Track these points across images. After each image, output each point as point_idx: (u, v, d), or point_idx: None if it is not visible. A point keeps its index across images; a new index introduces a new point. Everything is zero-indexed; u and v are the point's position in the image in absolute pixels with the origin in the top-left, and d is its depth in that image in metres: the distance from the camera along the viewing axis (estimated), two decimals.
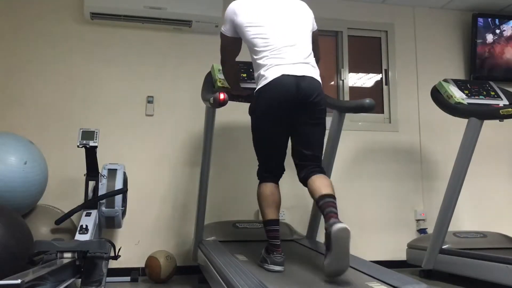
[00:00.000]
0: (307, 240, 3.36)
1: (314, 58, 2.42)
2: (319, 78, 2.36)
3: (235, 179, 3.80)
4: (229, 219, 3.56)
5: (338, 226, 1.96)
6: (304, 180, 2.35)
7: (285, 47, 2.31)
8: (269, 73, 2.29)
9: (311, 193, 2.27)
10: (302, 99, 2.27)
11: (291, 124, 2.36)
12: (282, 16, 2.39)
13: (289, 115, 2.32)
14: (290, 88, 2.25)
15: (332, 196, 2.17)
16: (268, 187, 2.45)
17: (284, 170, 2.53)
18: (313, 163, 2.36)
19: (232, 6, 2.46)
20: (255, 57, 2.38)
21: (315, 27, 2.56)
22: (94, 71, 3.73)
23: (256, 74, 2.40)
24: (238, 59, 2.69)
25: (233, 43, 2.52)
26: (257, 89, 2.36)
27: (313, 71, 2.35)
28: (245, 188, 3.65)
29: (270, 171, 2.49)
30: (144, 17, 3.69)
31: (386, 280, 2.13)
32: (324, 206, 2.13)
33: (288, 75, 2.26)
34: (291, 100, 2.26)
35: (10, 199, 2.76)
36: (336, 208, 2.13)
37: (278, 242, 2.38)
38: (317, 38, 2.57)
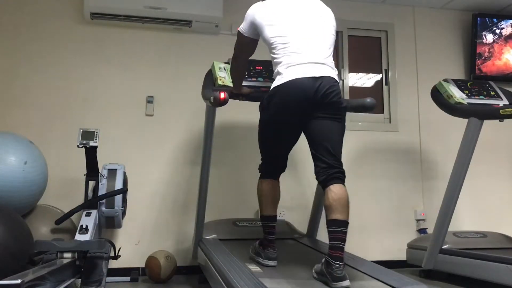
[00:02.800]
0: (307, 239, 3.36)
1: (333, 61, 2.35)
2: (337, 78, 2.31)
3: (235, 178, 3.80)
4: (229, 217, 3.56)
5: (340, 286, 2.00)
6: (322, 184, 2.24)
7: (304, 47, 2.26)
8: (286, 72, 2.23)
9: (326, 205, 2.17)
10: (320, 100, 2.21)
11: (309, 120, 2.26)
12: (303, 17, 2.35)
13: (304, 115, 2.26)
14: (308, 90, 2.19)
15: (345, 224, 2.11)
16: (269, 183, 2.51)
17: (286, 167, 2.56)
18: (334, 162, 2.23)
19: (254, 6, 2.44)
20: (273, 56, 2.34)
21: (333, 36, 2.43)
22: (94, 71, 3.73)
23: (274, 72, 2.35)
24: None
25: (248, 43, 2.50)
26: (273, 86, 2.31)
27: (332, 72, 2.29)
28: (245, 187, 3.65)
29: (272, 168, 2.53)
30: (144, 17, 3.69)
31: (386, 281, 2.14)
32: (333, 236, 2.10)
33: (307, 77, 2.20)
34: (308, 101, 2.20)
35: (10, 199, 2.76)
36: (344, 240, 2.10)
37: (273, 237, 2.49)
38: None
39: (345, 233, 2.10)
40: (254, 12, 2.41)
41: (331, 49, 2.35)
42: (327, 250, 2.12)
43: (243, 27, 2.48)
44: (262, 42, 2.44)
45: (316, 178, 2.27)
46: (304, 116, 2.27)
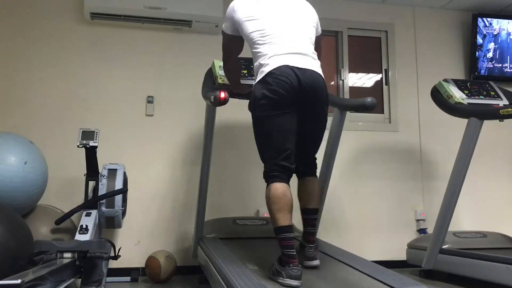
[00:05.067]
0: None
1: (315, 52, 2.35)
2: (320, 71, 2.30)
3: (235, 177, 3.80)
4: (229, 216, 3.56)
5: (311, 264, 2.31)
6: (297, 174, 2.43)
7: (285, 39, 2.26)
8: (271, 61, 2.21)
9: (300, 195, 2.45)
10: (303, 93, 2.19)
11: (297, 116, 2.25)
12: (281, 11, 2.36)
13: (294, 101, 2.20)
14: (292, 78, 2.17)
15: (316, 211, 2.47)
16: (279, 187, 2.15)
17: (294, 166, 2.27)
18: (310, 158, 2.45)
19: (232, 4, 2.44)
20: (254, 50, 2.32)
21: (319, 31, 2.52)
22: (94, 71, 3.73)
23: (255, 67, 2.30)
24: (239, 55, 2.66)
25: (233, 41, 2.49)
26: (257, 80, 2.25)
27: (314, 64, 2.28)
28: (245, 186, 3.66)
29: (280, 169, 2.19)
30: (144, 17, 3.69)
31: (386, 281, 2.13)
32: (307, 223, 2.46)
33: (289, 65, 2.18)
34: (294, 90, 2.18)
35: (10, 199, 2.76)
36: (315, 226, 2.50)
37: (293, 252, 2.09)
38: (320, 42, 2.53)
39: (316, 219, 2.48)
40: (232, 9, 2.41)
41: (313, 41, 2.38)
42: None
43: (224, 26, 2.49)
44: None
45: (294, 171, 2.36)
46: (294, 102, 2.21)
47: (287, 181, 2.20)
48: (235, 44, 2.51)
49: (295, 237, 2.22)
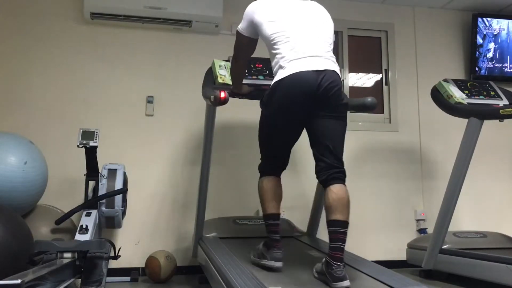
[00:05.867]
0: (307, 237, 3.36)
1: (334, 56, 2.34)
2: (339, 73, 2.30)
3: (235, 176, 3.80)
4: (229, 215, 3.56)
5: (340, 286, 2.01)
6: (323, 184, 2.24)
7: (306, 42, 2.25)
8: (289, 65, 2.21)
9: (326, 205, 2.17)
10: (322, 94, 2.18)
11: (310, 118, 2.25)
12: (302, 13, 2.36)
13: (307, 110, 2.22)
14: (311, 83, 2.17)
15: (345, 224, 2.12)
16: (270, 180, 2.40)
17: (287, 164, 2.46)
18: (334, 162, 2.22)
19: (252, 5, 2.43)
20: (275, 51, 2.31)
21: (332, 36, 2.46)
22: (94, 71, 3.73)
23: (274, 68, 2.31)
24: None
25: (247, 43, 2.48)
26: (275, 80, 2.26)
27: (334, 66, 2.28)
28: (245, 185, 3.66)
29: (274, 166, 2.43)
30: (144, 17, 3.69)
31: (386, 281, 2.14)
32: (333, 236, 2.11)
33: (310, 70, 2.18)
34: (311, 95, 2.18)
35: (10, 199, 2.76)
36: (345, 241, 2.10)
37: (278, 237, 2.34)
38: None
39: (345, 233, 2.10)
40: (253, 10, 2.39)
41: (332, 45, 2.36)
42: (327, 249, 2.12)
43: (241, 26, 2.46)
44: (261, 39, 2.42)
45: (317, 178, 2.26)
46: (307, 112, 2.23)
47: (278, 174, 2.43)
48: (249, 46, 2.50)
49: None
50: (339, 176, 2.21)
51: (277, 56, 2.28)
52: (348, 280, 2.03)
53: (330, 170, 2.20)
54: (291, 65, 2.21)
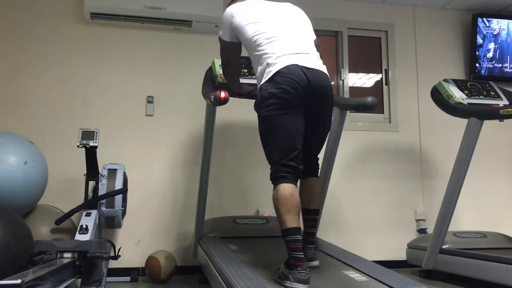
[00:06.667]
0: None
1: (317, 52, 2.33)
2: (326, 71, 2.28)
3: (235, 176, 3.80)
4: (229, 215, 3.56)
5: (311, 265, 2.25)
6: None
7: (289, 39, 2.24)
8: (278, 60, 2.16)
9: (301, 195, 2.20)
10: (311, 93, 2.16)
11: (304, 115, 2.20)
12: (280, 15, 2.36)
13: (302, 101, 2.15)
14: (301, 79, 2.14)
15: (317, 212, 2.46)
16: (287, 188, 2.08)
17: (302, 167, 2.20)
18: (313, 159, 2.42)
19: (229, 10, 2.40)
20: (257, 53, 2.26)
21: (314, 36, 2.46)
22: (94, 71, 3.73)
23: (260, 69, 2.24)
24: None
25: (231, 48, 2.47)
26: (265, 80, 2.18)
27: (320, 64, 2.27)
28: (245, 185, 3.66)
29: (288, 169, 2.12)
30: (144, 17, 3.69)
31: (386, 281, 2.14)
32: (308, 223, 2.42)
33: (298, 65, 2.15)
34: (303, 90, 2.14)
35: (10, 199, 2.76)
36: (316, 226, 2.48)
37: (301, 255, 2.02)
38: (317, 46, 2.45)
39: (317, 220, 2.48)
40: (231, 14, 2.36)
41: (313, 41, 2.38)
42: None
43: (222, 33, 2.44)
44: (242, 43, 2.41)
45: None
46: (302, 106, 2.18)
47: (295, 182, 2.14)
48: (234, 50, 2.49)
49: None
50: (316, 169, 2.48)
51: (264, 56, 2.22)
52: (317, 261, 2.36)
53: (308, 164, 2.38)
54: (280, 60, 2.17)
